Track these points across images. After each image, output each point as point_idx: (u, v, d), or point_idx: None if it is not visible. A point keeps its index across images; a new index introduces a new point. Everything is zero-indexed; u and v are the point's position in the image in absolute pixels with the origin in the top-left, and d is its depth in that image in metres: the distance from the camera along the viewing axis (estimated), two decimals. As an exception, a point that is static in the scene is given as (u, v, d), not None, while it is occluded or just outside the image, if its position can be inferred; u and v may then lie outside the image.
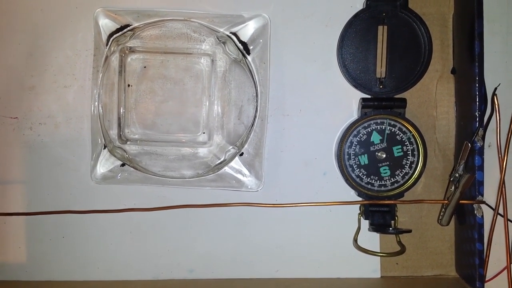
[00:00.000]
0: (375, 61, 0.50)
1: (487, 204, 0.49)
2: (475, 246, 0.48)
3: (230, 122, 0.52)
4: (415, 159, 0.50)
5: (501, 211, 0.50)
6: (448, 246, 0.54)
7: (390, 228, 0.50)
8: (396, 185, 0.50)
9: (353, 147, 0.50)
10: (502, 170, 0.49)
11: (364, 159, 0.50)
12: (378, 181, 0.50)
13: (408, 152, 0.50)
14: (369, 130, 0.50)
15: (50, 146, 0.54)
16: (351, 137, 0.50)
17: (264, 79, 0.52)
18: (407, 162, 0.50)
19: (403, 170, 0.50)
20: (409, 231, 0.50)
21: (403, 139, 0.50)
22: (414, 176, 0.50)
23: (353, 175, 0.50)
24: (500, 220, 0.50)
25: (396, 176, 0.50)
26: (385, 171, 0.50)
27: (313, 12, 0.53)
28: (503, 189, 0.49)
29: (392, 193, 0.50)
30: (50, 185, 0.54)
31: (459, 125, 0.52)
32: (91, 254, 0.54)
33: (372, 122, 0.50)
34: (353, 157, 0.50)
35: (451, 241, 0.54)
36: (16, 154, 0.54)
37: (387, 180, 0.50)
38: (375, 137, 0.50)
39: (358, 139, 0.50)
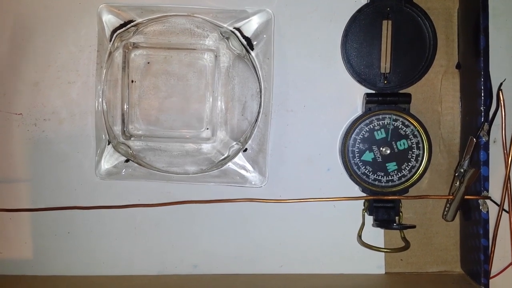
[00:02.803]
0: (379, 56, 0.50)
1: (492, 200, 0.49)
2: (480, 242, 0.48)
3: (234, 118, 0.52)
4: (421, 151, 0.49)
5: (506, 207, 0.49)
6: (453, 242, 0.54)
7: (394, 224, 0.50)
8: (403, 179, 0.50)
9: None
10: (508, 166, 0.49)
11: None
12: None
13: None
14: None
15: (54, 142, 0.54)
16: (355, 132, 0.50)
17: (268, 74, 0.52)
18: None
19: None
20: (413, 226, 0.50)
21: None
22: (419, 171, 0.50)
23: (355, 168, 0.50)
24: (505, 216, 0.49)
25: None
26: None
27: (317, 7, 0.53)
28: (508, 184, 0.49)
29: (397, 188, 0.50)
30: (55, 181, 0.54)
31: (464, 120, 0.52)
32: (96, 249, 0.54)
33: (376, 117, 0.50)
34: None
35: (456, 237, 0.54)
36: (21, 150, 0.54)
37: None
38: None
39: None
